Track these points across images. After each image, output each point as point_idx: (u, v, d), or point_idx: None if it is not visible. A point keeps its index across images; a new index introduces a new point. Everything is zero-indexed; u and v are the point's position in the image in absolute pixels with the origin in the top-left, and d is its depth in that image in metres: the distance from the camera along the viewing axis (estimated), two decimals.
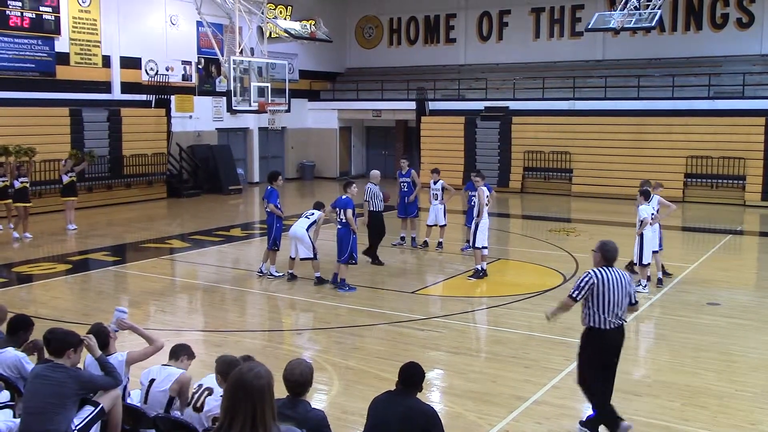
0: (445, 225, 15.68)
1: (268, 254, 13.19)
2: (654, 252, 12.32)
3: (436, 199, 15.67)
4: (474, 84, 29.91)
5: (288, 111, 25.38)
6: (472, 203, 15.05)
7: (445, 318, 10.65)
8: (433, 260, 15.13)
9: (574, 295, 6.61)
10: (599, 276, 6.57)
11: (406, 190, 15.92)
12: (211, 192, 25.88)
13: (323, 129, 32.01)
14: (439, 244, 15.66)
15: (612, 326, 6.59)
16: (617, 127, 25.56)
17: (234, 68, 21.95)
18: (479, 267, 13.07)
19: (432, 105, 29.35)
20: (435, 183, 15.78)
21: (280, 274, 13.07)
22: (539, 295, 11.97)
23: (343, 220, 12.19)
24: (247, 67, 22.63)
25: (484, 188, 13.53)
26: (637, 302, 6.88)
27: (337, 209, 12.29)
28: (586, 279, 6.59)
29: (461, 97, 29.65)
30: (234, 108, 22.75)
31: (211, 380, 5.61)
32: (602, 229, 19.15)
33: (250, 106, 22.80)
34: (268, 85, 23.31)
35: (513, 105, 27.70)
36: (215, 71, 27.07)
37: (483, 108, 28.14)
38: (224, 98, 24.12)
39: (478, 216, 13.23)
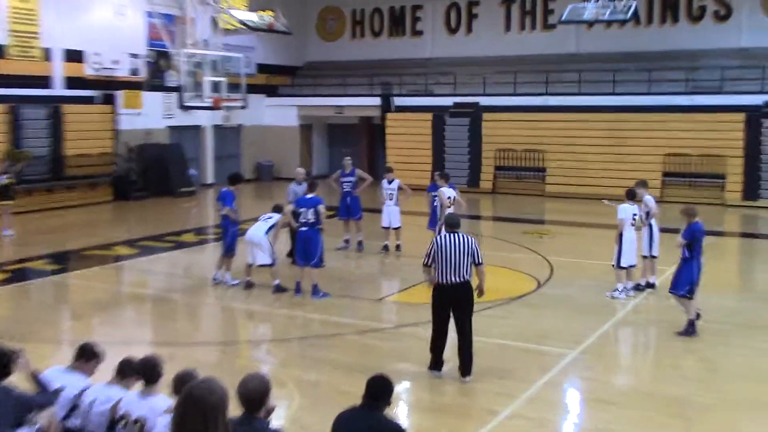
0: (399, 227, 15.60)
1: (224, 261, 13.03)
2: (645, 257, 12.34)
3: (391, 200, 15.51)
4: (442, 79, 29.98)
5: (244, 107, 25.18)
6: (435, 204, 15.08)
7: (415, 326, 10.59)
8: (396, 265, 15.08)
9: (424, 262, 8.43)
10: (440, 241, 8.35)
11: (348, 190, 15.70)
12: (161, 194, 25.51)
13: (282, 127, 31.82)
14: (397, 247, 15.60)
15: (452, 282, 8.22)
16: (592, 124, 25.80)
17: (186, 62, 21.72)
18: None
19: (398, 101, 29.33)
20: (390, 182, 15.66)
21: (236, 282, 12.91)
22: (513, 301, 12.00)
23: (310, 221, 12.03)
24: (200, 61, 22.41)
25: (447, 189, 13.55)
26: (481, 263, 8.37)
27: (302, 209, 12.09)
28: (430, 247, 8.42)
29: (429, 93, 29.70)
30: (186, 104, 22.51)
31: (133, 403, 5.39)
32: (578, 230, 19.32)
33: (203, 102, 22.58)
34: (223, 79, 23.12)
35: (483, 101, 27.80)
36: (166, 65, 26.77)
37: (452, 104, 28.20)
38: (176, 94, 23.84)
39: (440, 219, 13.23)
